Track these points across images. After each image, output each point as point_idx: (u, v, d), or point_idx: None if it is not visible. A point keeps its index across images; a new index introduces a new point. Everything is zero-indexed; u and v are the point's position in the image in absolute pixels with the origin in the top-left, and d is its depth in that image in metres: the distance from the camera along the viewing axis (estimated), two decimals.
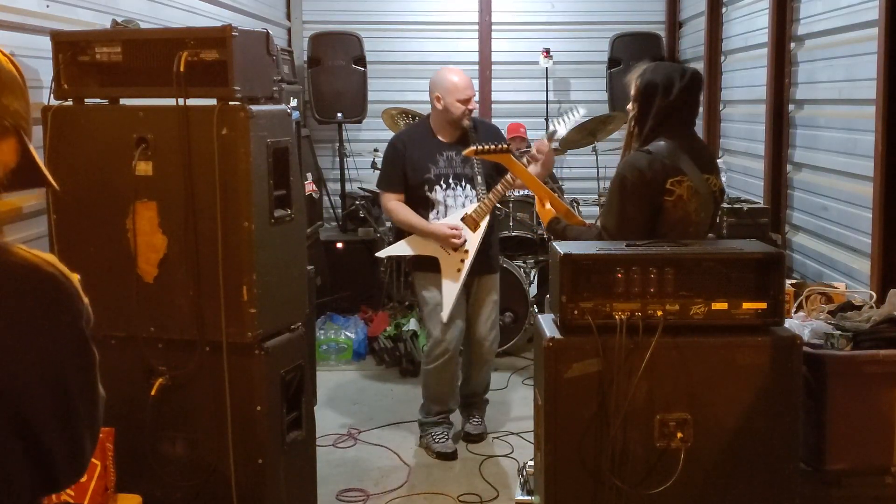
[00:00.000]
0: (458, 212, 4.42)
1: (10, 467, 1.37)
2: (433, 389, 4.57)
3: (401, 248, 4.51)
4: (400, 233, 4.55)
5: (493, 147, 3.52)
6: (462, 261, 4.37)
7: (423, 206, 4.44)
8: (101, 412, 1.51)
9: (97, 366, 1.48)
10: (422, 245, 4.42)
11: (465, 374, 4.69)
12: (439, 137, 4.48)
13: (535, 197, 3.56)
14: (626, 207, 3.04)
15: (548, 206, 3.43)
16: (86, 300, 1.45)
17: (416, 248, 4.44)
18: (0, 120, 1.41)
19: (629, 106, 3.25)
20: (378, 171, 6.52)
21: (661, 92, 3.13)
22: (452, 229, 4.33)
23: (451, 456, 4.45)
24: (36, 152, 1.47)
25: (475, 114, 4.62)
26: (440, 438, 4.52)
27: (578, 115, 4.54)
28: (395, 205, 4.45)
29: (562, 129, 4.45)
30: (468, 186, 4.47)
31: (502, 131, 5.04)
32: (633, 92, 3.22)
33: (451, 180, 4.44)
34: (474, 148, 3.59)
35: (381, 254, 4.82)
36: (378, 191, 4.66)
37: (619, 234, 3.03)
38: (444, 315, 4.35)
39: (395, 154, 4.49)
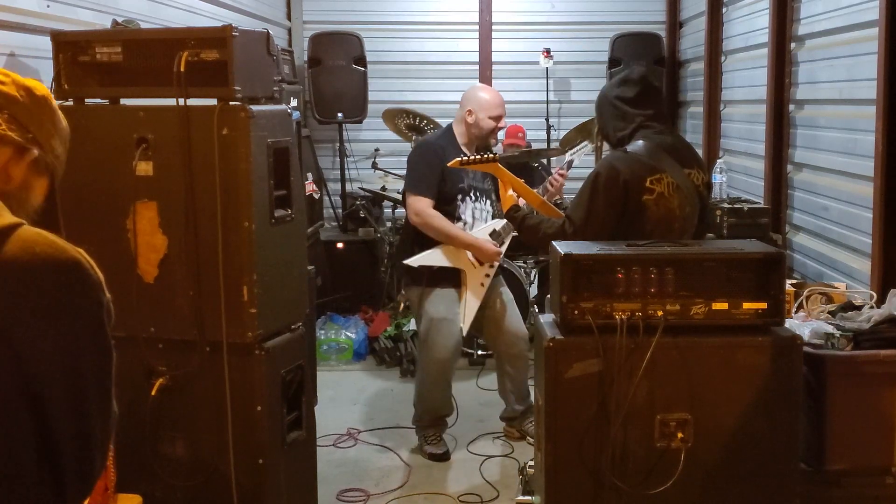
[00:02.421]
0: (483, 226, 4.43)
1: (20, 453, 1.38)
2: (428, 402, 4.53)
3: (432, 258, 4.32)
4: (423, 240, 4.35)
5: (479, 157, 3.54)
6: (487, 275, 4.38)
7: (450, 217, 4.33)
8: (112, 420, 1.50)
9: (113, 365, 1.49)
10: (453, 256, 4.32)
11: (509, 389, 4.62)
12: (465, 150, 4.37)
13: (499, 181, 3.59)
14: (594, 202, 3.11)
15: (510, 192, 3.47)
16: (108, 296, 1.48)
17: (446, 258, 4.32)
18: (44, 156, 1.49)
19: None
20: (376, 170, 6.65)
21: (611, 97, 3.30)
22: (496, 245, 4.33)
23: (442, 457, 4.45)
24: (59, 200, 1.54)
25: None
26: (432, 440, 4.52)
27: (588, 148, 4.68)
28: (433, 212, 4.27)
29: (577, 159, 4.57)
30: (488, 202, 4.47)
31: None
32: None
33: (477, 193, 4.42)
34: (460, 159, 3.60)
35: (412, 262, 4.34)
36: (407, 195, 4.40)
37: (583, 228, 3.10)
38: (465, 327, 4.34)
39: (435, 158, 4.28)
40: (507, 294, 4.60)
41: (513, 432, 4.69)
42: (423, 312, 4.39)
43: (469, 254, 4.33)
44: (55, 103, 1.58)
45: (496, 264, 4.39)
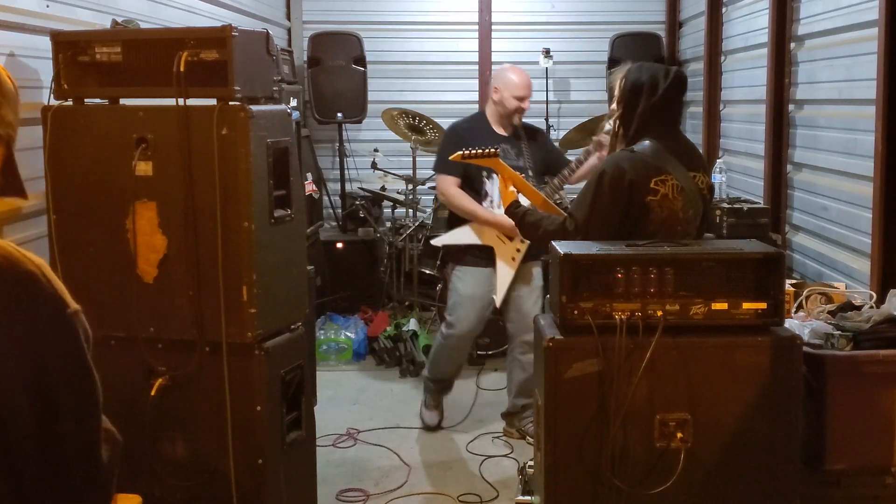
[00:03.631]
0: None
1: None
2: (442, 365, 4.76)
3: (458, 237, 4.55)
4: (453, 218, 4.62)
5: (480, 151, 3.56)
6: (518, 250, 4.50)
7: (477, 195, 4.51)
8: (100, 449, 1.38)
9: (92, 381, 1.38)
10: (479, 234, 4.50)
11: (517, 380, 4.65)
12: (495, 129, 4.61)
13: (499, 177, 3.58)
14: (598, 200, 3.09)
15: (511, 188, 3.45)
16: (74, 307, 1.38)
17: (473, 237, 4.51)
18: None
19: (613, 106, 3.31)
20: (375, 170, 6.65)
21: (647, 92, 3.17)
22: None
23: (433, 429, 4.77)
24: (16, 161, 1.48)
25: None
26: (431, 404, 4.83)
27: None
28: (457, 191, 4.50)
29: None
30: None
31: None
32: (617, 93, 3.27)
33: None
34: (461, 153, 3.62)
35: (437, 242, 4.73)
36: (435, 174, 4.72)
37: (584, 226, 3.08)
38: (498, 300, 4.51)
39: (458, 138, 4.46)
40: (537, 281, 4.67)
41: (512, 432, 4.71)
42: (453, 288, 4.61)
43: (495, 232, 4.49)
44: None
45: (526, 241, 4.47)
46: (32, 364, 1.32)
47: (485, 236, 4.49)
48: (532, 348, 4.44)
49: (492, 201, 4.50)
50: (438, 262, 5.02)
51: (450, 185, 4.51)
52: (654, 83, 3.17)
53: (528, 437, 4.57)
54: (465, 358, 4.84)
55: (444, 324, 4.72)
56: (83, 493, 1.36)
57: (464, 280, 4.56)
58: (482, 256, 4.51)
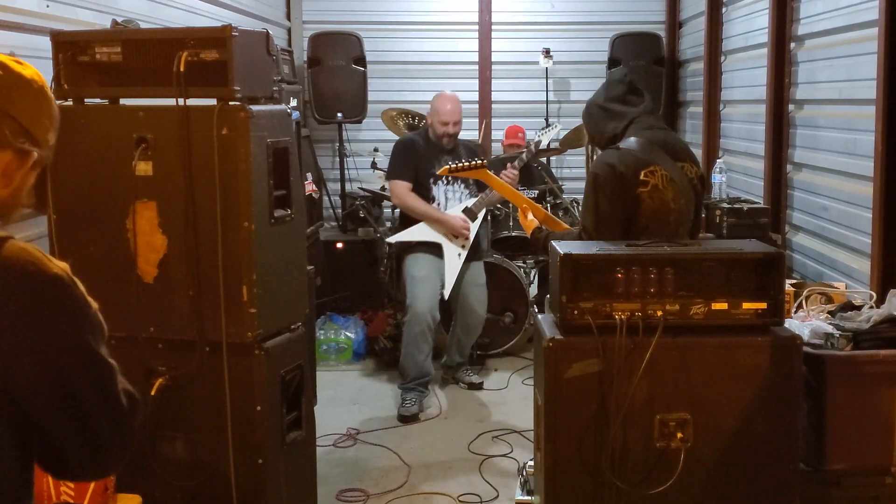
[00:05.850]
0: (457, 205, 5.16)
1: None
2: (413, 356, 5.01)
3: (411, 234, 5.12)
4: (406, 220, 5.19)
5: (467, 164, 3.82)
6: (463, 246, 5.12)
7: (425, 199, 5.12)
8: (127, 417, 1.56)
9: (110, 370, 1.55)
10: (429, 231, 5.08)
11: (454, 345, 5.42)
12: (435, 141, 5.20)
13: (518, 209, 3.67)
14: (600, 204, 3.13)
15: (530, 216, 3.54)
16: (94, 305, 1.51)
17: (424, 234, 5.08)
18: (42, 152, 1.55)
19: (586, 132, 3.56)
20: (375, 170, 6.67)
21: (599, 101, 3.40)
22: (464, 220, 5.06)
23: (409, 419, 4.88)
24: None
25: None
26: (407, 404, 4.95)
27: (556, 130, 5.99)
28: (407, 193, 5.09)
29: (545, 139, 5.80)
30: (462, 184, 5.22)
31: (499, 135, 5.81)
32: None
33: (449, 178, 5.09)
34: (448, 167, 3.87)
35: (392, 239, 5.27)
36: (388, 181, 5.28)
37: (596, 231, 3.12)
38: (447, 292, 5.05)
39: (408, 148, 5.18)
40: (481, 277, 5.29)
41: (448, 379, 5.41)
42: (407, 273, 5.14)
43: (444, 230, 5.09)
44: (48, 88, 1.59)
45: (470, 238, 5.09)
46: (51, 359, 1.44)
47: (435, 234, 5.08)
48: (471, 329, 5.34)
49: (439, 204, 5.13)
50: (393, 262, 5.59)
51: (402, 189, 5.09)
52: (599, 92, 3.43)
53: (460, 383, 5.36)
54: (430, 346, 5.06)
55: (406, 314, 5.05)
56: (117, 438, 1.56)
57: (415, 265, 5.08)
58: (431, 249, 5.07)
